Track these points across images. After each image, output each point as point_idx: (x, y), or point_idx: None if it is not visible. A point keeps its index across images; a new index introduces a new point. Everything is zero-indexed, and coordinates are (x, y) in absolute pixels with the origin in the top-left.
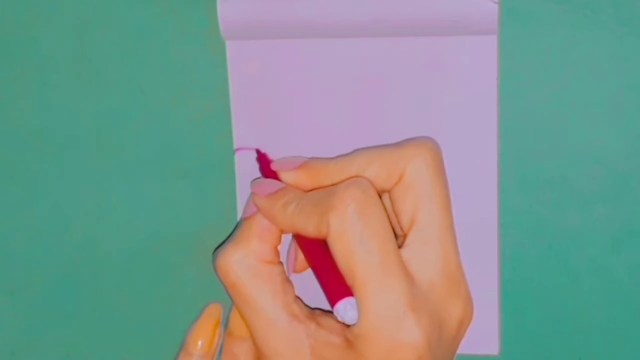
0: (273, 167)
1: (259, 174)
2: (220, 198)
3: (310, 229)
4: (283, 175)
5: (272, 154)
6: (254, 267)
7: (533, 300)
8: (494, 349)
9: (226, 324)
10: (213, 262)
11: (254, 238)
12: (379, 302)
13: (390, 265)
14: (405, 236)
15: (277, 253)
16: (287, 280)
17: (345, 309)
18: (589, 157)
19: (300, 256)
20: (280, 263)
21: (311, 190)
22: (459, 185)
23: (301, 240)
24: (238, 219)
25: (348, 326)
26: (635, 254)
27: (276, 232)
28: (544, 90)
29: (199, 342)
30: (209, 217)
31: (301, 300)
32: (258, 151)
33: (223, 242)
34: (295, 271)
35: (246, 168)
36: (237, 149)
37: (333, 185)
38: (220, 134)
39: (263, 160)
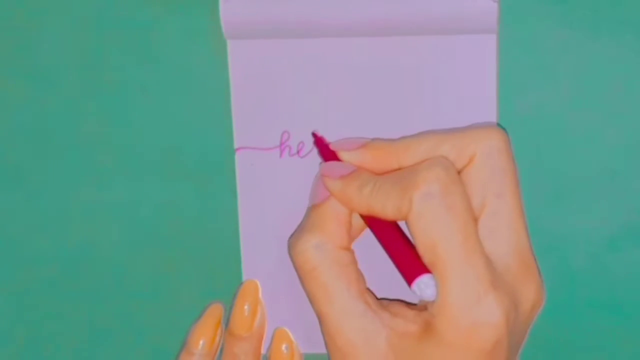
0: (332, 147)
1: (259, 174)
2: (220, 198)
3: (389, 210)
4: (344, 155)
5: (272, 154)
6: (331, 254)
7: None
8: None
9: (227, 323)
10: (290, 249)
11: (330, 223)
12: (461, 281)
13: (472, 245)
14: (475, 218)
15: (350, 239)
16: (360, 271)
17: (425, 285)
18: (589, 157)
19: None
20: (353, 250)
21: (377, 171)
22: None
23: (373, 222)
24: (239, 219)
25: (423, 310)
26: (634, 253)
27: (348, 217)
28: (544, 90)
29: (201, 342)
30: (209, 217)
31: (370, 291)
32: (315, 135)
33: (223, 242)
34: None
35: (246, 168)
36: (238, 149)
37: (400, 166)
38: (220, 134)
39: (321, 144)
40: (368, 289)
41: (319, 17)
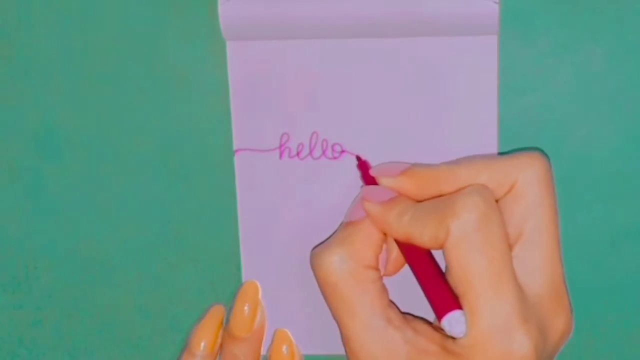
0: (372, 173)
1: (258, 175)
2: (220, 198)
3: (426, 237)
4: (384, 181)
5: (272, 155)
6: (356, 270)
7: None
8: None
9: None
10: (312, 260)
11: (360, 242)
12: (493, 312)
13: (506, 276)
14: (510, 246)
15: (378, 260)
16: (384, 286)
17: (455, 321)
18: (589, 157)
19: (392, 260)
20: (379, 269)
21: (417, 197)
22: None
23: (408, 250)
24: (239, 219)
25: (448, 336)
26: (634, 253)
27: (381, 240)
28: (544, 90)
29: (202, 344)
30: (208, 219)
31: (395, 306)
32: (358, 158)
33: (223, 244)
34: (386, 274)
35: (246, 168)
36: (237, 150)
37: (440, 193)
38: (220, 134)
39: (364, 167)
40: (392, 304)
41: (318, 18)
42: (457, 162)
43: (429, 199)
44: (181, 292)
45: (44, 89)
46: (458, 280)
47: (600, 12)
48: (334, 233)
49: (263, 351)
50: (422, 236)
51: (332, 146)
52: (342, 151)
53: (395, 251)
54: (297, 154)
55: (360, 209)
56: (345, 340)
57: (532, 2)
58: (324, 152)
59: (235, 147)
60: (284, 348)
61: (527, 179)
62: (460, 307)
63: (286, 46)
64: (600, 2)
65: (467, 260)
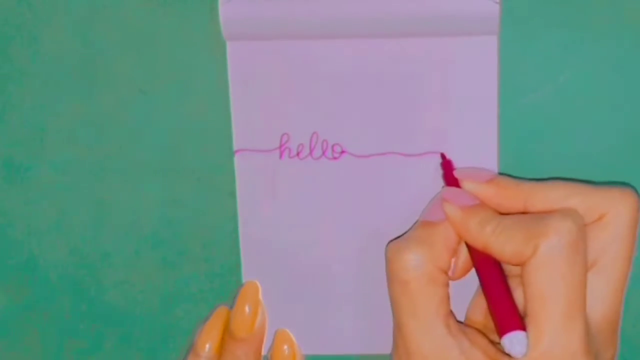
0: (456, 174)
1: (258, 176)
2: (220, 198)
3: (507, 251)
4: (469, 185)
5: (272, 156)
6: (430, 272)
7: None
8: None
9: None
10: (388, 254)
11: (438, 245)
12: (558, 339)
13: (579, 306)
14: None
15: (450, 264)
16: (449, 293)
17: (517, 341)
18: (588, 157)
19: (460, 264)
20: (447, 273)
21: (497, 207)
22: None
23: (480, 259)
24: (238, 219)
25: (503, 352)
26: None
27: (456, 244)
28: (544, 90)
29: (207, 345)
30: (209, 217)
31: (453, 314)
32: (443, 156)
33: (223, 244)
34: (451, 279)
35: (246, 168)
36: (237, 151)
37: (524, 209)
38: (220, 134)
39: (447, 167)
40: (452, 312)
41: (318, 18)
42: (546, 182)
43: (509, 212)
44: (181, 292)
45: (43, 89)
46: (531, 298)
47: (600, 12)
48: (408, 230)
49: (264, 351)
50: (504, 249)
51: (332, 147)
52: (342, 152)
53: (463, 256)
54: (297, 154)
55: (440, 210)
56: (400, 340)
57: (533, 2)
58: (324, 153)
59: (235, 148)
60: (285, 348)
61: (617, 213)
62: (524, 328)
63: (286, 46)
64: (601, 2)
65: (547, 282)
